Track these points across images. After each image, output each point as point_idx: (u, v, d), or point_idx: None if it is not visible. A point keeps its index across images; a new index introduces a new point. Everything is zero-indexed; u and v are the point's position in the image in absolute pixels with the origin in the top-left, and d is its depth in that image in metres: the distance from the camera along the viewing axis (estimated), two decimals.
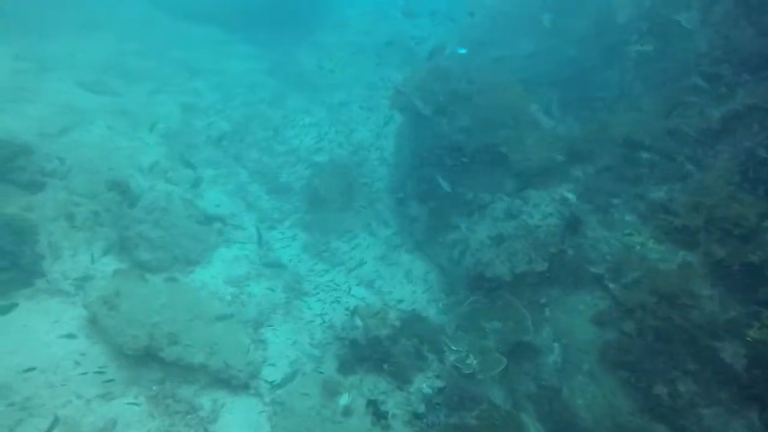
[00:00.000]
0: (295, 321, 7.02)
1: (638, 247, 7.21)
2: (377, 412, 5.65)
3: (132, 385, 5.60)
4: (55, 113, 9.13)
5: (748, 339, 5.52)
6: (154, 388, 5.69)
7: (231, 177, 8.92)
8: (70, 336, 5.79)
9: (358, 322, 6.67)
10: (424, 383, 6.02)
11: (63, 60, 10.66)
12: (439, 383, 6.08)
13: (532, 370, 7.10)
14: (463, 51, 9.45)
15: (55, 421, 4.96)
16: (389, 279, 8.41)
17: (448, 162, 9.03)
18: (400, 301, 7.98)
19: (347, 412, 5.67)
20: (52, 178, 7.28)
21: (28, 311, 5.92)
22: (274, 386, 5.99)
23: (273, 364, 6.25)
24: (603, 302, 7.16)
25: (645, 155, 7.69)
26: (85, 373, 5.49)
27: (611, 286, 7.14)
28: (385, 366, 6.10)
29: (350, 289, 7.72)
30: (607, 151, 8.32)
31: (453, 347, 6.79)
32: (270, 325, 6.79)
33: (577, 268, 7.49)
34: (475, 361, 6.71)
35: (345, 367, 6.19)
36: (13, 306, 5.87)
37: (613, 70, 9.98)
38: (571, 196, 8.17)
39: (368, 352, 6.23)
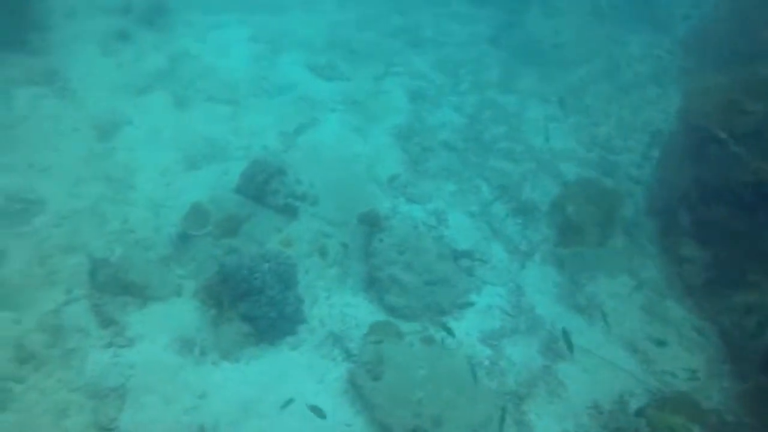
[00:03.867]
0: (557, 399, 6.04)
1: None
2: None
3: None
4: (291, 106, 8.84)
5: None
6: None
7: (472, 193, 7.89)
8: (337, 402, 5.53)
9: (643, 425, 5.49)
10: None
11: (292, 38, 10.25)
12: None
13: None
14: None
15: None
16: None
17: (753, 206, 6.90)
18: (674, 376, 6.55)
19: None
20: (303, 202, 6.96)
21: (295, 365, 5.74)
22: None
23: None
24: None
25: None
26: None
27: None
28: None
29: (613, 361, 6.46)
30: None
31: None
32: (532, 403, 5.92)
33: None
34: None
35: None
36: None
37: None
38: None
39: None
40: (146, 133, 7.91)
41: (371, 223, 6.66)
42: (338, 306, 6.31)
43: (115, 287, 5.98)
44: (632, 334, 6.91)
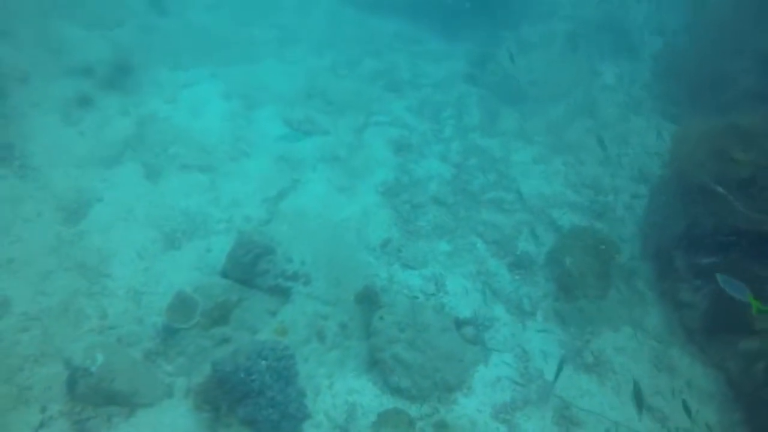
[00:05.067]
0: None
1: None
2: None
3: None
4: (271, 168, 8.45)
5: None
6: None
7: (467, 252, 7.64)
8: None
9: None
10: None
11: (267, 91, 9.89)
12: None
13: None
14: None
15: None
16: (668, 395, 6.77)
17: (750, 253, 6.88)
18: None
19: None
20: (295, 282, 6.57)
21: None
22: None
23: None
24: None
25: None
26: None
27: None
28: None
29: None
30: None
31: None
32: None
33: None
34: None
35: None
36: None
37: None
38: None
39: None
40: (118, 211, 7.39)
41: (369, 300, 6.33)
42: (342, 394, 5.93)
43: (98, 398, 5.46)
44: (642, 391, 6.75)
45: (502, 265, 7.65)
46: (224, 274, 6.53)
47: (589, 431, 6.21)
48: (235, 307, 6.30)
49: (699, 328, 7.33)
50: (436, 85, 11.07)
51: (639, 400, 5.83)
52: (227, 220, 7.48)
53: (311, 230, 7.36)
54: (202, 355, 5.97)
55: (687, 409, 5.95)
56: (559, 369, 6.06)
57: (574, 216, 8.43)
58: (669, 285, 7.70)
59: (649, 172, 9.33)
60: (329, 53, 11.34)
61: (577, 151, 9.86)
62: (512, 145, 9.72)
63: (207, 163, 8.25)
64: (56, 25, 9.80)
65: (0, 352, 5.76)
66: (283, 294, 6.46)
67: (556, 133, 10.19)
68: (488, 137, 9.82)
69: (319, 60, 11.12)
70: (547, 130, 10.21)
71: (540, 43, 11.87)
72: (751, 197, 6.72)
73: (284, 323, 6.14)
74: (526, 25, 12.33)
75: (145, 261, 6.91)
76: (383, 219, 7.84)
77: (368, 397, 6.00)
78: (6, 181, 7.40)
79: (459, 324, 6.65)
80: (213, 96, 9.55)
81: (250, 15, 12.10)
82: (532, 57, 11.55)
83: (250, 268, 6.41)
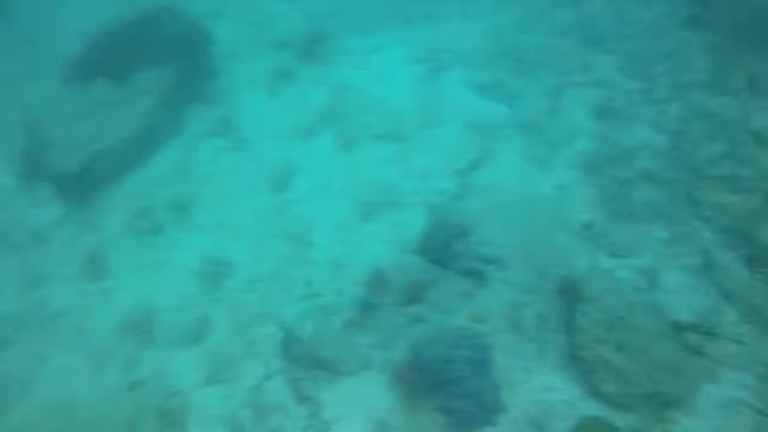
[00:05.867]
0: None
1: None
2: None
3: None
4: (460, 137, 8.11)
5: None
6: None
7: (690, 240, 6.53)
8: None
9: None
10: None
11: (452, 53, 9.42)
12: None
13: None
14: None
15: None
16: None
17: None
18: None
19: None
20: (490, 266, 6.28)
21: None
22: None
23: None
24: None
25: None
26: None
27: None
28: None
29: None
30: None
31: None
32: None
33: None
34: None
35: None
36: None
37: None
38: None
39: None
40: (317, 182, 7.82)
41: (570, 291, 5.79)
42: (539, 390, 5.60)
43: (308, 361, 5.98)
44: None
45: (736, 259, 6.38)
46: (418, 253, 6.51)
47: None
48: (429, 287, 6.28)
49: None
50: (645, 35, 9.39)
51: None
52: (418, 193, 7.42)
53: (505, 207, 6.93)
54: (397, 332, 6.12)
55: None
56: None
57: None
58: None
59: None
60: (515, 8, 10.32)
61: None
62: (751, 105, 7.90)
63: (397, 132, 8.23)
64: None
65: (231, 309, 6.61)
66: (477, 277, 6.24)
67: None
68: (717, 95, 8.11)
69: (505, 16, 10.18)
70: None
71: None
72: None
73: (481, 310, 5.95)
74: None
75: (342, 232, 7.23)
76: (584, 197, 7.04)
77: (567, 396, 5.58)
78: (227, 154, 8.28)
79: (678, 329, 5.75)
80: (400, 61, 9.41)
81: None
82: None
83: (445, 249, 6.29)
